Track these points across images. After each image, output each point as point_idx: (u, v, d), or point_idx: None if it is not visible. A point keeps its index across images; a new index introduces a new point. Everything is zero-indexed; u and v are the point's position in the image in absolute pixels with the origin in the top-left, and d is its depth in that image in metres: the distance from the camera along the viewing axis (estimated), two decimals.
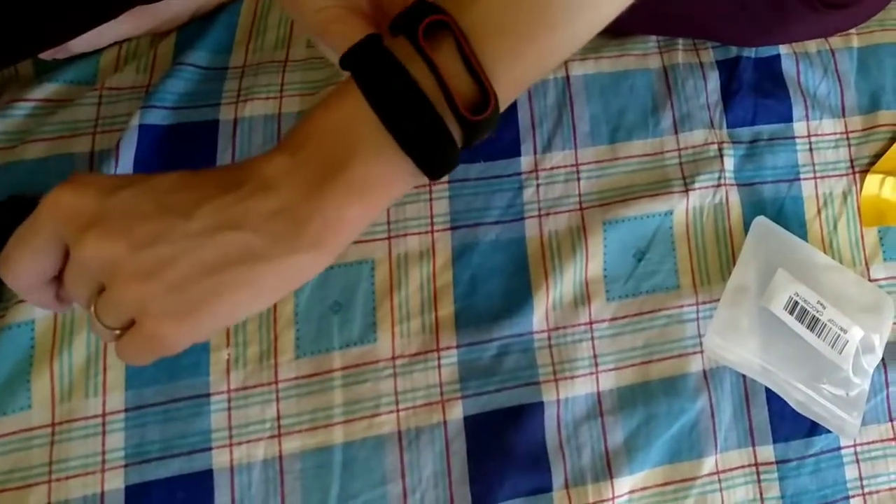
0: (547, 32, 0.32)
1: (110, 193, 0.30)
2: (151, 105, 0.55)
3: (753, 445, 0.57)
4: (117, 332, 0.31)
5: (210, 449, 0.51)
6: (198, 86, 0.57)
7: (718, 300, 0.57)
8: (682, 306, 0.58)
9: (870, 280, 0.61)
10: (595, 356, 0.56)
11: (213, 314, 0.30)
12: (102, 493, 0.50)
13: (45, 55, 0.56)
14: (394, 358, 0.54)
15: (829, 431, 0.57)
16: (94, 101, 0.56)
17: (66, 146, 0.55)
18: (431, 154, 0.31)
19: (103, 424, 0.51)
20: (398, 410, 0.53)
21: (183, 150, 0.55)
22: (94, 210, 0.30)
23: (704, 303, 0.58)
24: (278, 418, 0.52)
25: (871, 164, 0.62)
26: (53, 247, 0.31)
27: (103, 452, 0.50)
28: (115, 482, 0.50)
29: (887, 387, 0.59)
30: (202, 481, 0.51)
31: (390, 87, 0.30)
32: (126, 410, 0.51)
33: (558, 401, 0.55)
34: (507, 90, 0.32)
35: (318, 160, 0.30)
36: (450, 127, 0.30)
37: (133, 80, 0.57)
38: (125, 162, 0.54)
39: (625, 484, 0.54)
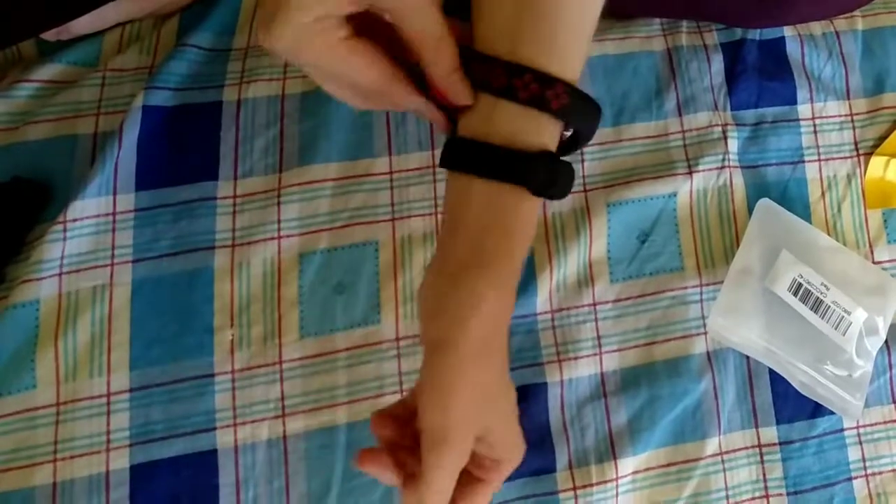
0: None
1: None
2: (155, 86, 0.55)
3: (757, 427, 0.57)
4: None
5: (214, 429, 0.51)
6: (201, 67, 0.57)
7: (722, 282, 0.57)
8: (685, 288, 0.58)
9: (874, 262, 0.61)
10: (599, 337, 0.56)
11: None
12: (107, 473, 0.50)
13: (48, 36, 0.55)
14: (398, 339, 0.54)
15: (832, 413, 0.58)
16: (98, 83, 0.56)
17: (69, 127, 0.54)
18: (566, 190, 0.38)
19: (108, 404, 0.51)
20: (402, 391, 0.53)
21: (186, 131, 0.55)
22: None
23: (708, 284, 0.58)
24: (282, 398, 0.52)
25: (876, 146, 0.62)
26: None
27: (108, 432, 0.50)
28: (120, 462, 0.50)
29: (891, 369, 0.59)
30: (207, 461, 0.51)
31: (558, 176, 0.37)
32: (131, 390, 0.51)
33: (562, 382, 0.55)
34: None
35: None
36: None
37: (136, 61, 0.57)
38: (129, 143, 0.54)
39: (628, 465, 0.55)
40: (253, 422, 0.52)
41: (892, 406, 0.59)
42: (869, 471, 0.58)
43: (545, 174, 0.35)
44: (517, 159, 0.35)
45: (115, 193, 0.53)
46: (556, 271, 0.56)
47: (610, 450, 0.55)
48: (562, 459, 0.54)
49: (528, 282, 0.56)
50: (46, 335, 0.51)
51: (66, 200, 0.52)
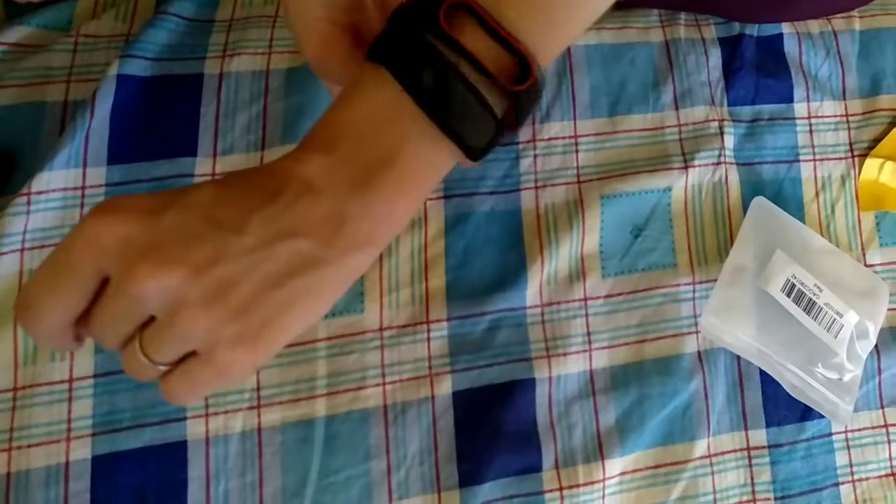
0: None
1: (154, 217, 0.28)
2: (131, 55, 0.52)
3: (746, 429, 0.56)
4: (163, 368, 0.29)
5: (184, 419, 0.48)
6: (182, 37, 0.54)
7: (715, 280, 0.56)
8: (678, 285, 0.56)
9: (866, 265, 0.60)
10: (589, 333, 0.54)
11: (284, 329, 0.29)
12: (67, 464, 0.46)
13: None
14: (381, 329, 0.52)
15: (821, 417, 0.57)
16: (69, 48, 0.52)
17: (37, 94, 0.51)
18: (471, 135, 0.30)
19: (70, 391, 0.47)
20: (384, 384, 0.51)
21: (164, 103, 0.52)
22: (143, 238, 0.27)
23: (701, 282, 0.57)
24: (258, 389, 0.50)
25: (871, 148, 0.62)
26: (91, 285, 0.28)
27: (69, 420, 0.47)
28: (82, 452, 0.47)
29: (879, 374, 0.58)
30: (175, 453, 0.48)
31: (425, 71, 0.29)
32: (95, 376, 0.48)
33: (550, 378, 0.53)
34: (546, 54, 0.31)
35: (359, 157, 0.30)
36: (491, 102, 0.30)
37: (112, 27, 0.54)
38: (101, 113, 0.50)
39: (616, 465, 0.53)
40: (226, 412, 0.49)
41: (881, 411, 0.58)
42: (856, 476, 0.57)
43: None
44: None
45: (84, 166, 0.50)
46: (547, 264, 0.54)
47: (597, 450, 0.53)
48: (548, 459, 0.52)
49: (518, 274, 0.54)
50: (4, 315, 0.47)
51: (32, 171, 0.49)
